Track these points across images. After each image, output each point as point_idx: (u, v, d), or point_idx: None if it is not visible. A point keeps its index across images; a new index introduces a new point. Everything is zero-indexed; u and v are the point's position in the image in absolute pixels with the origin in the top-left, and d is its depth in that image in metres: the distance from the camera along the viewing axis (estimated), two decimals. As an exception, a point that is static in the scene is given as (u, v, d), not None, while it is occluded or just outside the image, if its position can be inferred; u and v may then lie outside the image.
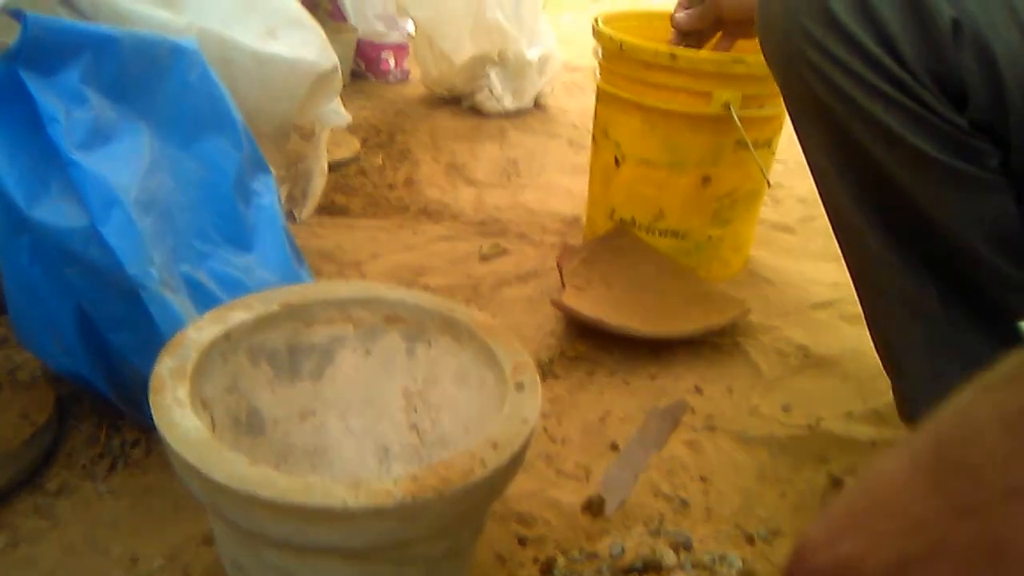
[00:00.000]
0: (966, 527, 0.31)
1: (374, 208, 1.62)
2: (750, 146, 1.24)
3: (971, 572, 0.31)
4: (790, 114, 0.86)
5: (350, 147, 1.82)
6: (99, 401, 0.95)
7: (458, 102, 2.21)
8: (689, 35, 1.28)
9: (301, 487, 0.55)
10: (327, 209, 1.56)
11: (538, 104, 2.27)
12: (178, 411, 0.61)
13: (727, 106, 1.23)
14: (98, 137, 0.85)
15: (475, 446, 0.60)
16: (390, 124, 2.04)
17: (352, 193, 1.66)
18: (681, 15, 1.26)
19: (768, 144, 1.34)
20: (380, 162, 1.82)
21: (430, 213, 1.62)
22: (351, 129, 1.82)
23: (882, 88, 0.72)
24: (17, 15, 0.82)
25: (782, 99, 0.87)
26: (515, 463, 0.62)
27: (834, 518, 0.35)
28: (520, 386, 0.67)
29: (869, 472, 0.36)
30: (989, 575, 0.31)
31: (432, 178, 1.78)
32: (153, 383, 0.63)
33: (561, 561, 0.83)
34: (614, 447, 1.02)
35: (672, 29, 1.29)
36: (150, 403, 0.61)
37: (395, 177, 1.76)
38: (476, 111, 2.17)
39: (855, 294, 0.89)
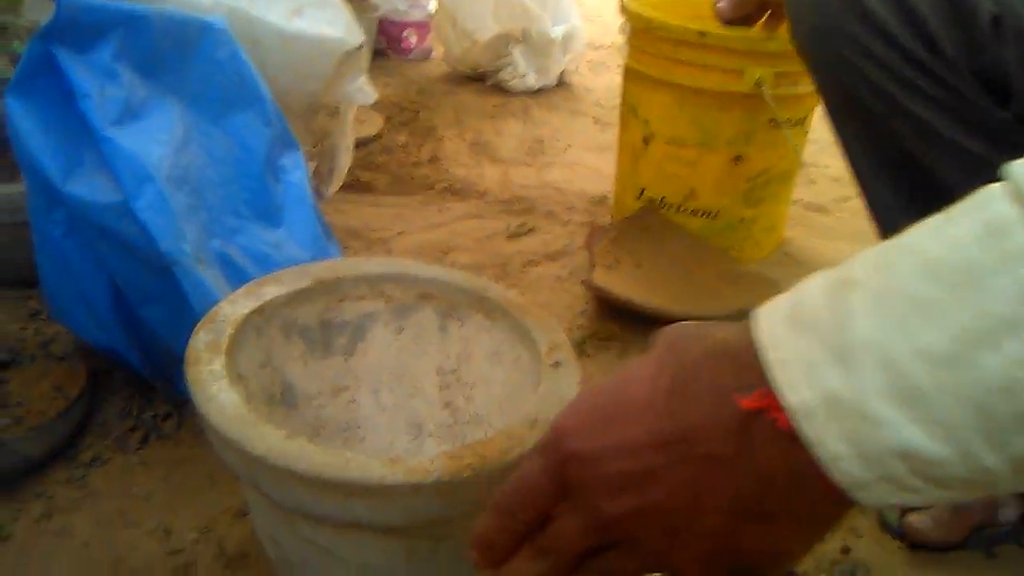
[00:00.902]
0: (675, 462, 0.37)
1: (399, 185, 1.62)
2: (783, 125, 1.23)
3: (671, 496, 0.37)
4: (827, 111, 0.84)
5: (374, 124, 1.81)
6: (130, 374, 0.95)
7: (481, 80, 2.20)
8: (734, 22, 1.24)
9: (339, 461, 0.54)
10: (353, 186, 1.56)
11: (562, 82, 2.26)
12: (214, 384, 0.60)
13: (759, 84, 1.21)
14: (130, 113, 0.85)
15: (513, 424, 0.60)
16: (413, 102, 2.03)
17: (377, 170, 1.65)
18: (723, 4, 1.23)
19: (802, 123, 1.32)
20: (404, 140, 1.81)
21: (455, 191, 1.61)
22: (375, 106, 1.81)
23: (921, 84, 0.70)
24: (51, -6, 0.82)
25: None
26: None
27: (586, 415, 0.40)
28: (557, 364, 0.67)
29: (623, 376, 0.41)
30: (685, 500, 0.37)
31: (457, 156, 1.77)
32: (189, 356, 0.63)
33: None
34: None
35: (717, 19, 1.25)
36: (186, 376, 0.61)
37: (419, 155, 1.75)
38: (500, 89, 2.16)
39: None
